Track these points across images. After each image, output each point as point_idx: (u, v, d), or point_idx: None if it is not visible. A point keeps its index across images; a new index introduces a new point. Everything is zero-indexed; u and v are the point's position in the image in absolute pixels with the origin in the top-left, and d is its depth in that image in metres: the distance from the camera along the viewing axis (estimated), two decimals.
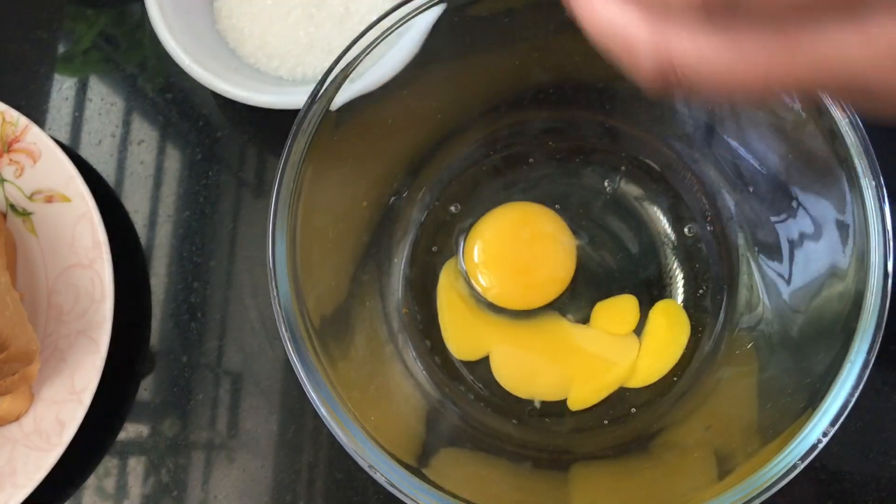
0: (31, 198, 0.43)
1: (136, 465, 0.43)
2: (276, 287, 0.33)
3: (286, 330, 0.33)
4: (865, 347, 0.31)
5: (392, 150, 0.41)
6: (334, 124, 0.36)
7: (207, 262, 0.45)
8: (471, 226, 0.42)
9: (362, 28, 0.35)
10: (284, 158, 0.34)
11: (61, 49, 0.49)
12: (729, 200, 0.41)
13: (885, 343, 0.42)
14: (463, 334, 0.41)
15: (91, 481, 0.43)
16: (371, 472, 0.31)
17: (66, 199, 0.43)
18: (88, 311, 0.41)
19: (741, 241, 0.40)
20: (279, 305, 0.33)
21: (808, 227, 0.37)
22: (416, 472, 0.32)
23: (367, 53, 0.35)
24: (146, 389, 0.43)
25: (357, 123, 0.37)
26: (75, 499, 0.43)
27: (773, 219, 0.38)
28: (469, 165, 0.43)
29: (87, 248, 0.42)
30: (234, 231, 0.45)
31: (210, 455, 0.43)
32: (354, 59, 0.35)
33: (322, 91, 0.34)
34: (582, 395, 0.39)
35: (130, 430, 0.43)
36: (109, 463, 0.43)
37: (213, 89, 0.41)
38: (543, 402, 0.40)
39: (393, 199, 0.42)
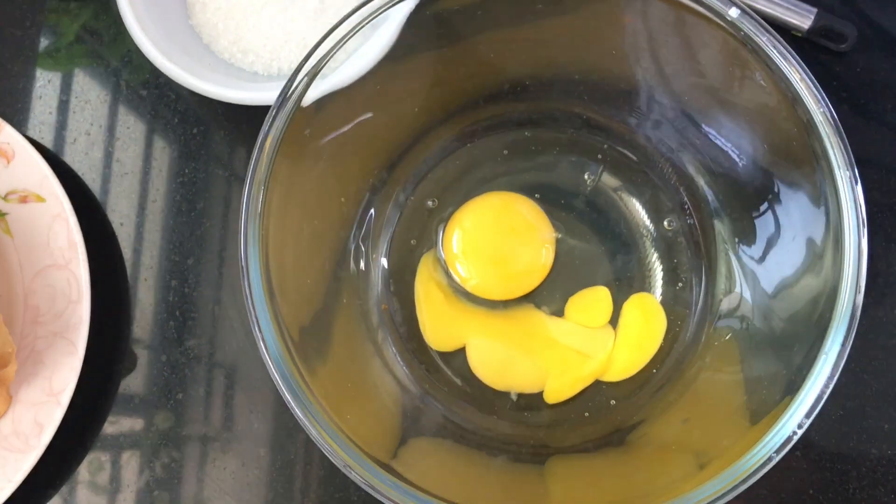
0: (5, 198, 0.43)
1: (114, 462, 0.43)
2: (250, 289, 0.33)
3: (261, 337, 0.32)
4: (840, 338, 0.31)
5: (368, 146, 0.41)
6: (307, 121, 0.35)
7: (185, 260, 0.44)
8: (450, 215, 0.42)
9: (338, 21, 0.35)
10: (255, 158, 0.33)
11: (44, 43, 0.48)
12: (707, 192, 0.40)
13: (866, 332, 0.42)
14: (440, 325, 0.41)
15: (82, 476, 0.43)
16: (346, 472, 0.31)
17: (41, 200, 0.42)
18: (65, 312, 0.41)
19: (720, 232, 0.40)
20: (252, 307, 0.32)
21: (785, 218, 0.36)
22: (391, 470, 0.32)
23: (340, 48, 0.35)
24: (126, 389, 0.43)
25: (331, 119, 0.37)
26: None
27: (750, 210, 0.38)
28: (446, 159, 0.42)
29: (62, 249, 0.42)
30: (211, 228, 0.45)
31: (188, 455, 0.43)
32: (326, 53, 0.35)
33: (293, 88, 0.34)
34: (557, 388, 0.39)
35: (110, 428, 0.43)
36: (92, 460, 0.43)
37: (186, 86, 0.41)
38: (522, 396, 0.40)
39: (370, 194, 0.41)
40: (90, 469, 0.43)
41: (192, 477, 0.42)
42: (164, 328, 0.44)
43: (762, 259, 0.38)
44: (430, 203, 0.42)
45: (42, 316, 0.41)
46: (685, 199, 0.41)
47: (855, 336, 0.37)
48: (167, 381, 0.43)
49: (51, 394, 0.40)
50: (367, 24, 0.35)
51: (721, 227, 0.40)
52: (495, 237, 0.41)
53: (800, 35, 0.43)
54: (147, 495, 0.42)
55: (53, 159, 0.46)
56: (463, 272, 0.41)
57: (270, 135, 0.34)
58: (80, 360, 0.40)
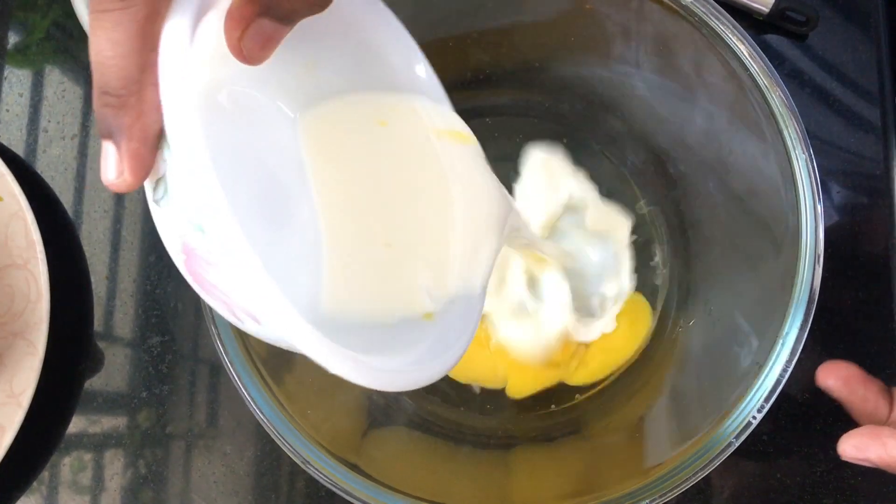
0: None
1: (84, 461, 0.42)
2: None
3: (217, 335, 0.32)
4: (798, 321, 0.31)
5: None
6: None
7: (147, 258, 0.44)
8: None
9: None
10: None
11: (13, 40, 0.47)
12: (671, 176, 0.40)
13: (830, 316, 0.42)
14: None
15: (45, 476, 0.42)
16: (306, 467, 0.31)
17: None
18: (24, 313, 0.40)
19: (683, 218, 0.40)
20: (210, 311, 0.32)
21: (748, 201, 0.36)
22: (354, 466, 0.32)
23: None
24: (90, 388, 0.43)
25: None
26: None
27: (713, 192, 0.38)
28: None
29: (20, 248, 0.41)
30: None
31: (158, 452, 0.42)
32: None
33: None
34: (519, 385, 0.39)
35: (75, 428, 0.42)
36: (56, 461, 0.42)
37: None
38: (487, 390, 0.40)
39: None
40: (55, 468, 0.42)
41: (167, 474, 0.42)
42: (127, 326, 0.43)
43: (725, 243, 0.38)
44: None
45: (1, 317, 0.41)
46: (650, 184, 0.41)
47: (819, 319, 0.37)
48: (131, 380, 0.43)
49: (11, 395, 0.39)
50: None
51: (684, 212, 0.40)
52: None
53: (762, 18, 0.43)
54: (118, 494, 0.42)
55: (11, 157, 0.45)
56: None
57: None
58: (41, 361, 0.40)
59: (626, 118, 0.40)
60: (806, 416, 0.41)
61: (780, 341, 0.31)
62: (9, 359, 0.40)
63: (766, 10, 0.43)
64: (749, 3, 0.43)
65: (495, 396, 0.40)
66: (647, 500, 0.31)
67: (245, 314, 0.21)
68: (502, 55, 0.41)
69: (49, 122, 0.46)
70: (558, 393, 0.39)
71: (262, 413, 0.32)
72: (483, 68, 0.41)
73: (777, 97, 0.32)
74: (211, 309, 0.32)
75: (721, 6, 0.33)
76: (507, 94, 0.42)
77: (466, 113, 0.42)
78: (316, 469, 0.31)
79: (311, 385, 0.37)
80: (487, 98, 0.42)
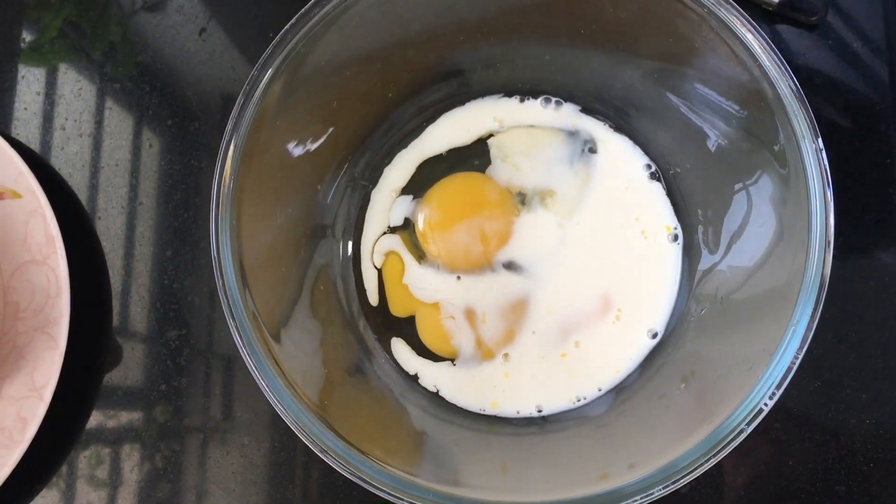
0: None
1: (102, 455, 0.43)
2: (223, 281, 0.33)
3: (235, 327, 0.33)
4: (809, 308, 0.31)
5: (341, 132, 0.41)
6: (276, 110, 0.35)
7: (164, 252, 0.44)
8: (424, 194, 0.42)
9: None
10: (222, 150, 0.33)
11: (27, 39, 0.48)
12: (681, 167, 0.41)
13: (842, 303, 0.42)
14: (395, 290, 0.42)
15: (64, 471, 0.43)
16: (323, 456, 0.32)
17: (17, 196, 0.42)
18: (45, 308, 0.41)
19: (695, 209, 0.40)
20: (226, 298, 0.33)
21: (756, 190, 0.36)
22: (370, 455, 0.32)
23: (308, 37, 0.35)
24: (109, 382, 0.43)
25: (301, 108, 0.37)
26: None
27: (723, 183, 0.38)
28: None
29: (40, 244, 0.42)
30: (188, 220, 0.45)
31: (176, 445, 0.43)
32: (295, 44, 0.35)
33: (260, 79, 0.34)
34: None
35: (95, 422, 0.43)
36: (77, 454, 0.43)
37: None
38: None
39: (345, 180, 0.41)
40: (74, 462, 0.43)
41: (186, 466, 0.43)
42: (145, 321, 0.44)
43: (736, 232, 0.38)
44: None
45: (22, 312, 0.42)
46: (660, 175, 0.41)
47: (832, 307, 0.37)
48: (149, 373, 0.43)
49: (33, 389, 0.40)
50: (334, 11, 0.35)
51: (696, 204, 0.40)
52: (461, 213, 0.42)
53: (770, 9, 0.43)
54: (136, 486, 0.43)
55: (30, 155, 0.46)
56: (430, 246, 0.41)
57: (239, 127, 0.33)
58: (62, 355, 0.40)
59: (638, 110, 0.41)
60: (818, 404, 0.41)
61: (791, 329, 0.31)
62: (30, 353, 0.41)
63: (775, 0, 0.43)
64: None
65: None
66: (660, 487, 0.31)
67: None
68: (511, 48, 0.41)
69: (66, 119, 0.46)
70: None
71: (280, 403, 0.32)
72: (494, 62, 0.41)
73: (787, 87, 0.32)
74: (230, 305, 0.33)
75: None
76: (514, 87, 0.42)
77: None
78: (334, 458, 0.31)
79: (328, 376, 0.37)
80: (498, 90, 0.42)
